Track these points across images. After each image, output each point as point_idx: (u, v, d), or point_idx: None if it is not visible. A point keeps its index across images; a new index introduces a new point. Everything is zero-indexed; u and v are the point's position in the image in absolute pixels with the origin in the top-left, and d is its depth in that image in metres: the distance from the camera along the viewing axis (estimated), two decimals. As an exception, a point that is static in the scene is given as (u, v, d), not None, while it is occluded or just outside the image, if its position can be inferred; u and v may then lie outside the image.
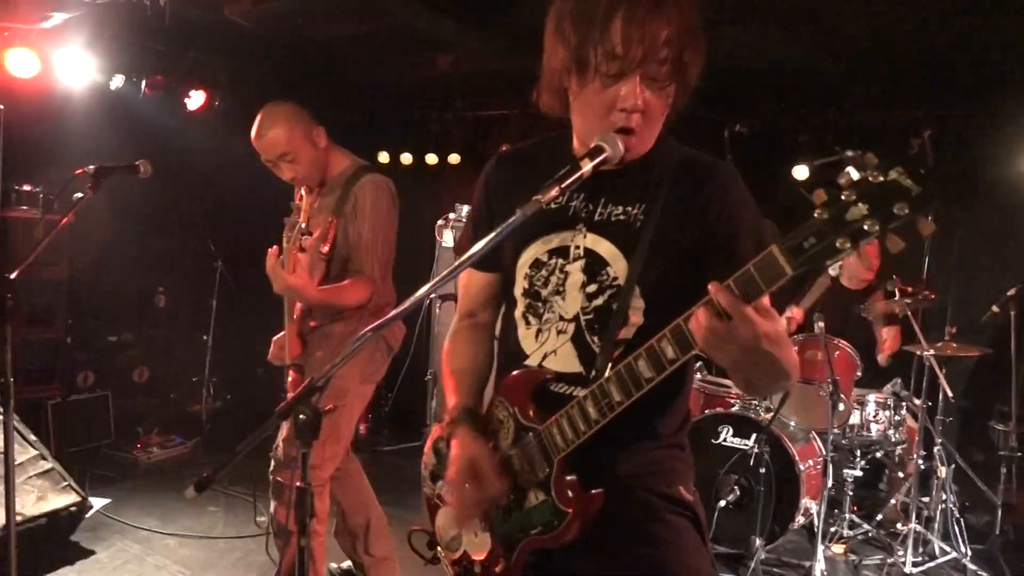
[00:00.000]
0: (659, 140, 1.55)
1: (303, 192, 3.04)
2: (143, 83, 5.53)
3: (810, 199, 1.10)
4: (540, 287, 1.56)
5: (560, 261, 1.54)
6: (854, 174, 1.06)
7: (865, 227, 1.05)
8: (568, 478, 1.47)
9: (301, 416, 1.41)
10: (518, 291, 1.60)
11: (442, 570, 1.75)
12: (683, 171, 1.51)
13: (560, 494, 1.47)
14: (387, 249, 2.99)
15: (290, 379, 3.04)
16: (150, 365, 6.13)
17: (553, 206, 1.55)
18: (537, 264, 1.57)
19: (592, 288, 1.51)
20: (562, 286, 1.53)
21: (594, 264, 1.51)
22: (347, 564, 3.59)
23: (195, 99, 5.84)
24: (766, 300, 1.23)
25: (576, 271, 1.52)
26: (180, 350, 6.37)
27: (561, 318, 1.53)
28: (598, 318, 1.50)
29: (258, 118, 2.94)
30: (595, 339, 1.50)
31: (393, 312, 1.44)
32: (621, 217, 1.51)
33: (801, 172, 5.64)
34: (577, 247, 1.53)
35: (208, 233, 6.08)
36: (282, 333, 3.04)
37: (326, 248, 2.95)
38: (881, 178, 1.04)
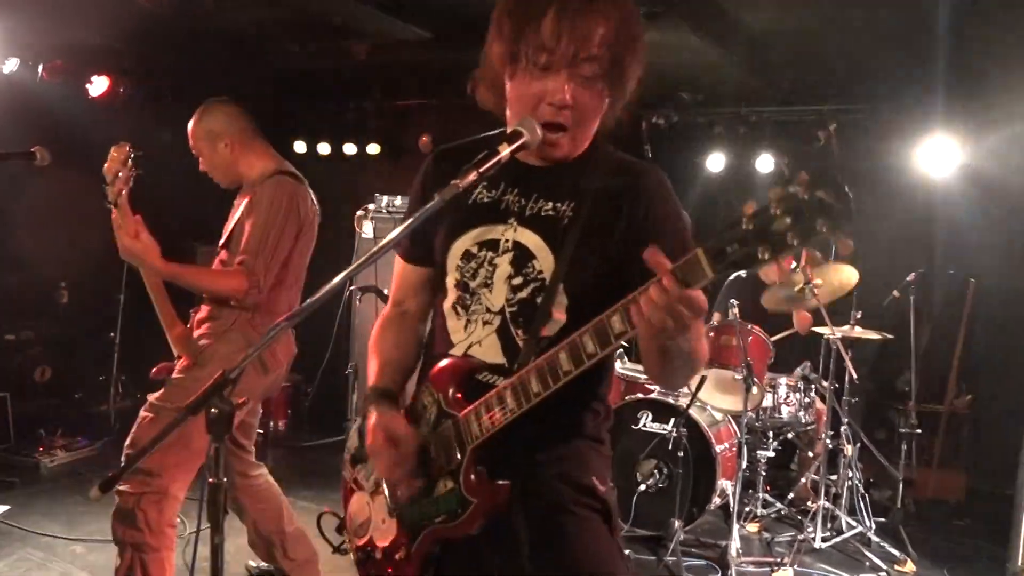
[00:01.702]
0: (595, 141, 1.57)
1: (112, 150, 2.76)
2: (40, 67, 5.24)
3: (740, 209, 1.14)
4: (469, 279, 1.56)
5: (490, 254, 1.55)
6: (783, 188, 1.10)
7: (786, 240, 1.09)
8: (477, 468, 1.47)
9: (213, 410, 1.37)
10: (450, 282, 1.59)
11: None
12: (614, 172, 1.55)
13: (467, 483, 1.47)
14: (277, 249, 2.83)
15: (155, 370, 2.91)
16: (52, 364, 5.84)
17: (486, 200, 1.57)
18: (467, 256, 1.57)
19: (517, 281, 1.52)
20: (490, 278, 1.54)
21: (521, 257, 1.52)
22: (266, 564, 3.50)
23: (98, 85, 5.58)
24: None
25: (504, 263, 1.53)
26: (85, 348, 6.09)
27: (488, 310, 1.54)
28: (522, 311, 1.51)
29: None
30: (519, 332, 1.51)
31: (309, 300, 1.40)
32: (550, 212, 1.53)
33: (715, 161, 5.82)
34: (507, 240, 1.54)
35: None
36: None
37: (221, 240, 2.90)
38: (807, 195, 1.07)
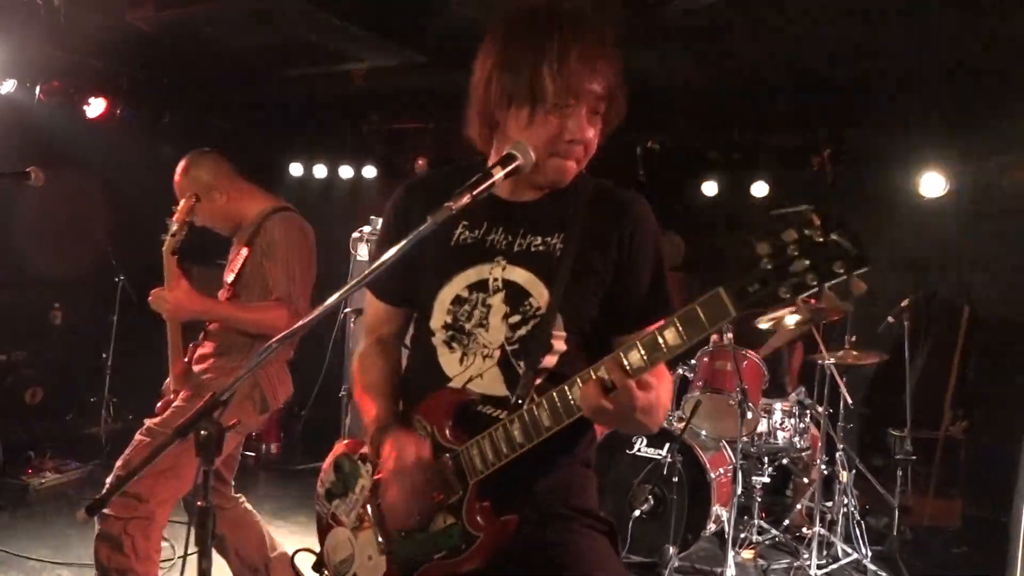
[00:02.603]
0: None
1: (182, 206, 2.87)
2: (37, 88, 5.26)
3: (755, 248, 1.18)
4: (464, 321, 1.55)
5: (481, 295, 1.54)
6: (797, 232, 1.14)
7: (806, 280, 1.13)
8: (481, 503, 1.45)
9: (203, 432, 1.36)
10: (437, 324, 1.58)
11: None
12: (599, 201, 1.57)
13: (471, 518, 1.45)
14: (305, 282, 2.88)
15: (159, 404, 2.91)
16: (44, 385, 5.79)
17: (470, 240, 1.57)
18: (459, 300, 1.56)
19: (515, 319, 1.51)
20: (485, 319, 1.53)
21: (515, 295, 1.52)
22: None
23: (95, 107, 5.59)
24: (648, 375, 1.31)
25: (498, 303, 1.53)
26: (77, 369, 6.05)
27: (486, 346, 1.53)
28: (523, 347, 1.50)
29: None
30: (521, 364, 1.50)
31: (301, 322, 1.39)
32: (541, 248, 1.53)
33: (709, 187, 5.85)
34: (496, 279, 1.53)
35: (109, 247, 5.80)
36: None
37: (230, 277, 2.90)
38: (822, 238, 1.12)
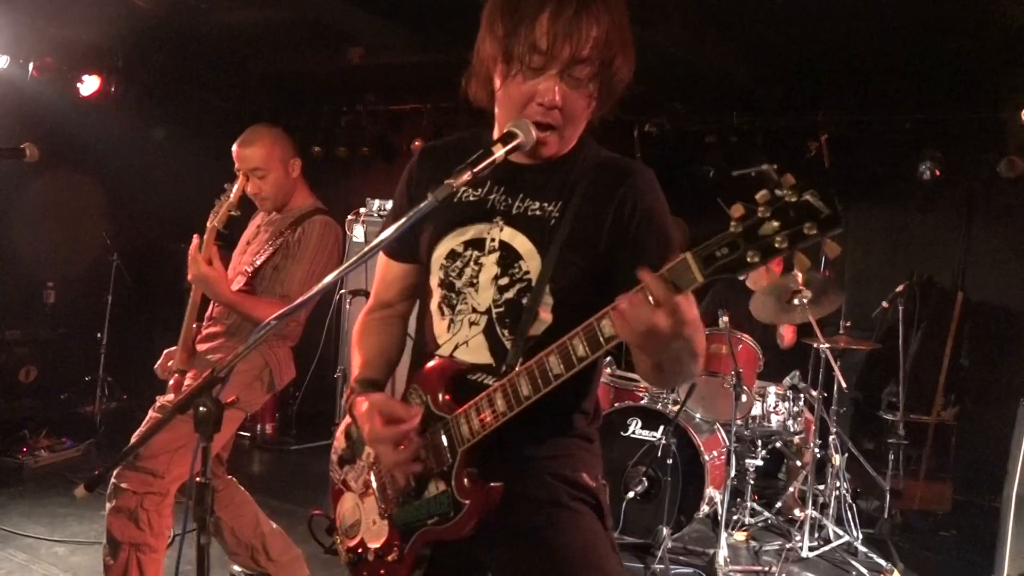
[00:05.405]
0: (581, 141, 1.57)
1: (240, 183, 2.90)
2: (31, 65, 5.22)
3: (727, 211, 1.14)
4: (455, 278, 1.55)
5: (475, 253, 1.54)
6: (770, 191, 1.09)
7: (775, 243, 1.09)
8: (468, 470, 1.46)
9: (202, 408, 1.36)
10: (434, 282, 1.59)
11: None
12: (601, 171, 1.53)
13: (459, 485, 1.46)
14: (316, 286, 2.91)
15: (172, 382, 2.92)
16: (38, 364, 5.78)
17: (472, 198, 1.56)
18: (452, 255, 1.56)
19: (504, 281, 1.51)
20: (476, 278, 1.53)
21: (508, 257, 1.52)
22: (249, 572, 3.47)
23: (89, 84, 5.55)
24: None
25: (491, 263, 1.52)
26: (72, 348, 6.04)
27: (474, 310, 1.53)
28: (509, 312, 1.50)
29: (247, 131, 2.99)
30: (506, 332, 1.50)
31: (299, 300, 1.40)
32: (537, 212, 1.52)
33: (708, 171, 5.82)
34: (493, 239, 1.53)
35: (103, 225, 5.78)
36: (174, 348, 2.94)
37: (251, 267, 2.91)
38: (795, 198, 1.07)
